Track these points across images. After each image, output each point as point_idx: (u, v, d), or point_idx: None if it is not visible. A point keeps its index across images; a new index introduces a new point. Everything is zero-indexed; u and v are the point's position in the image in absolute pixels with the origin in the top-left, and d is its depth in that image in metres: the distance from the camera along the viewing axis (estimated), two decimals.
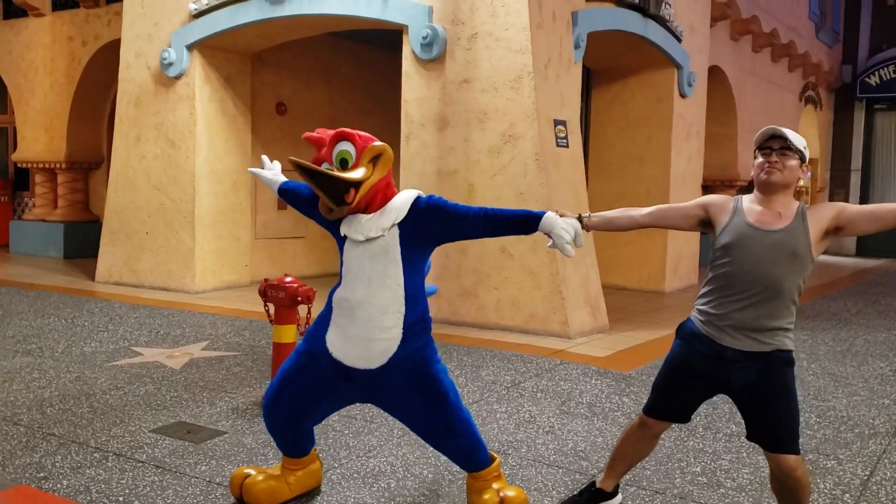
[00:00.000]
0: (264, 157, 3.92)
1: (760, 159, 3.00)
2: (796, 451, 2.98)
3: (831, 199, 20.28)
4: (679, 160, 10.90)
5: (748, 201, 3.07)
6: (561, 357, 6.53)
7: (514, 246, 7.42)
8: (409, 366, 3.21)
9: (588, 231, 3.36)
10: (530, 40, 7.32)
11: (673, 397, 3.26)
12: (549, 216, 3.20)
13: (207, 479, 3.76)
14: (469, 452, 3.36)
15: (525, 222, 3.25)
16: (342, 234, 3.25)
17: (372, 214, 3.19)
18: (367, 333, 3.17)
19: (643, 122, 10.83)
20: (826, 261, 17.85)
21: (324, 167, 3.14)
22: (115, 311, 8.14)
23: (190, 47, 9.52)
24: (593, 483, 3.58)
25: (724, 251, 3.02)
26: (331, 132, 3.23)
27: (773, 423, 2.99)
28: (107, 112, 13.06)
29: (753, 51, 14.71)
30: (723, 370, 3.04)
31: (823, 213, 2.96)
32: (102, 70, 12.47)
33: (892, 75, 19.22)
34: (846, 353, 7.17)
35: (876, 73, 19.44)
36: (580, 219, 3.29)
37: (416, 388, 3.23)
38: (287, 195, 3.63)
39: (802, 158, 2.98)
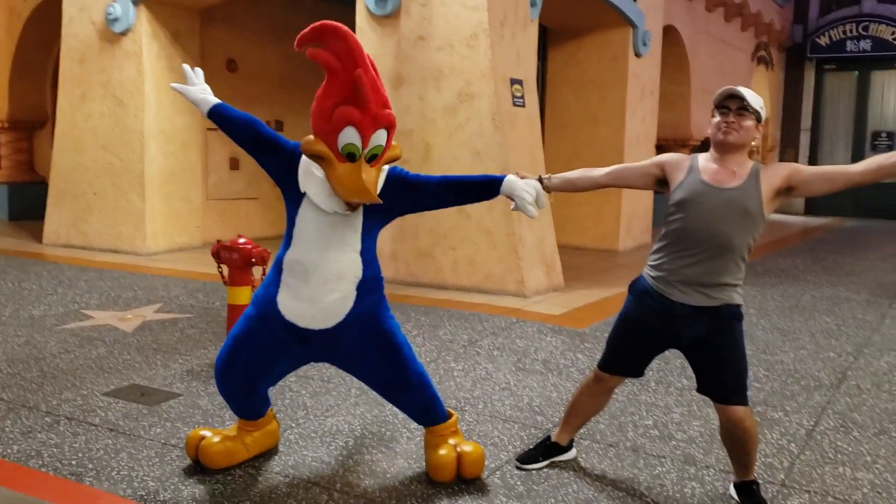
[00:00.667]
0: (186, 67, 3.50)
1: (718, 118, 3.03)
2: (745, 403, 3.06)
3: (781, 158, 20.58)
4: (633, 120, 10.96)
5: (704, 160, 3.10)
6: (517, 315, 6.58)
7: (470, 206, 7.37)
8: (364, 321, 3.21)
9: (549, 192, 3.39)
10: None
11: (626, 352, 3.32)
12: (510, 179, 3.23)
13: (162, 441, 3.73)
14: (426, 406, 3.38)
15: (487, 187, 3.28)
16: (302, 192, 3.14)
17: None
18: (321, 295, 3.14)
19: (598, 82, 10.84)
20: (775, 219, 18.18)
21: (350, 141, 2.95)
22: (64, 274, 7.98)
23: (136, 2, 9.23)
24: (548, 437, 3.65)
25: (678, 207, 3.05)
26: (382, 85, 3.00)
27: (722, 376, 3.06)
28: (50, 69, 12.63)
29: (707, 10, 14.76)
30: (673, 325, 3.10)
31: (777, 173, 3.00)
32: (44, 25, 12.02)
33: (842, 36, 19.47)
34: (794, 309, 7.35)
35: (826, 33, 19.67)
36: (541, 180, 3.32)
37: (371, 342, 3.24)
38: (221, 120, 3.33)
39: (759, 118, 3.02)
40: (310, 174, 3.13)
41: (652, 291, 3.15)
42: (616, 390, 4.59)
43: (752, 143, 3.04)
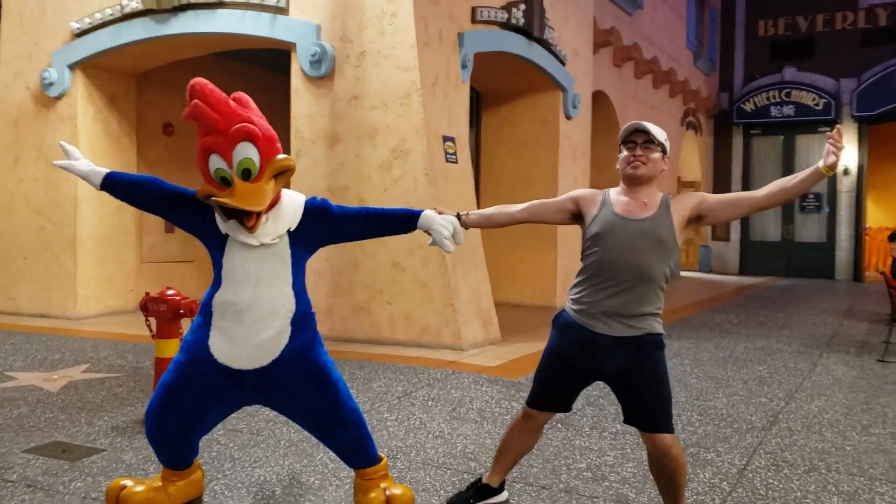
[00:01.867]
0: (63, 144, 3.39)
1: (625, 153, 3.14)
2: (670, 430, 3.08)
3: None
4: (566, 180, 11.19)
5: (615, 193, 3.20)
6: (453, 367, 6.57)
7: (405, 259, 7.45)
8: (299, 357, 3.19)
9: (467, 228, 3.46)
10: (418, 58, 7.43)
11: (553, 386, 3.33)
12: (428, 213, 3.32)
13: (83, 495, 3.60)
14: (359, 445, 3.34)
15: (405, 220, 3.36)
16: (223, 233, 3.14)
17: (263, 218, 3.12)
18: (254, 333, 3.12)
19: (531, 143, 11.10)
20: (711, 278, 18.63)
21: (217, 167, 3.00)
22: None
23: (72, 67, 9.23)
24: (479, 479, 3.60)
25: (594, 241, 3.12)
26: (228, 106, 3.02)
27: (646, 404, 3.09)
28: None
29: (636, 77, 15.31)
30: (597, 356, 3.13)
31: (686, 203, 3.11)
32: None
33: (766, 102, 20.37)
34: (727, 359, 7.48)
35: (750, 99, 20.56)
36: (459, 217, 3.39)
37: (306, 378, 3.22)
38: (118, 187, 3.29)
39: (664, 150, 3.13)
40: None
41: (574, 324, 3.19)
42: (550, 435, 4.62)
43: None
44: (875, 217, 21.97)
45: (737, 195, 3.12)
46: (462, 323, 7.38)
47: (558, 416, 5.07)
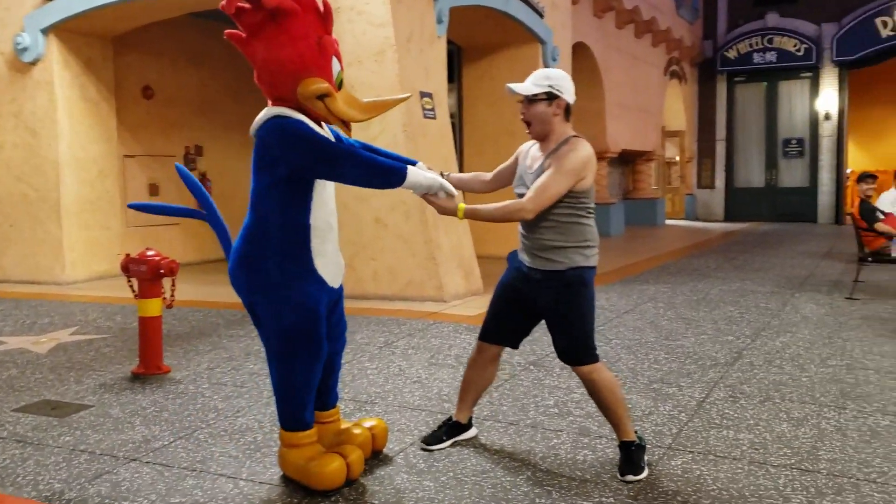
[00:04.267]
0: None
1: None
2: (588, 361, 3.35)
3: (699, 168, 21.32)
4: None
5: (529, 145, 3.53)
6: (434, 318, 6.76)
7: (387, 216, 7.58)
8: None
9: None
10: (391, 14, 7.48)
11: (500, 319, 3.60)
12: (413, 169, 3.39)
13: (71, 447, 3.77)
14: (338, 365, 3.64)
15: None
16: None
17: None
18: (337, 250, 3.36)
19: (512, 97, 11.10)
20: (695, 226, 18.82)
21: (338, 70, 3.15)
22: None
23: (45, 31, 9.22)
24: (450, 418, 3.82)
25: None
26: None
27: (563, 338, 3.36)
28: None
29: (617, 27, 15.31)
30: (531, 289, 3.42)
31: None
32: None
33: (749, 49, 20.37)
34: (701, 301, 7.68)
35: (734, 47, 20.54)
36: (442, 175, 3.64)
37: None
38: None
39: (552, 95, 3.31)
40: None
41: (518, 259, 3.52)
42: (522, 377, 4.83)
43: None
44: (857, 161, 22.10)
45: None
46: (444, 275, 7.55)
47: (531, 358, 5.28)
